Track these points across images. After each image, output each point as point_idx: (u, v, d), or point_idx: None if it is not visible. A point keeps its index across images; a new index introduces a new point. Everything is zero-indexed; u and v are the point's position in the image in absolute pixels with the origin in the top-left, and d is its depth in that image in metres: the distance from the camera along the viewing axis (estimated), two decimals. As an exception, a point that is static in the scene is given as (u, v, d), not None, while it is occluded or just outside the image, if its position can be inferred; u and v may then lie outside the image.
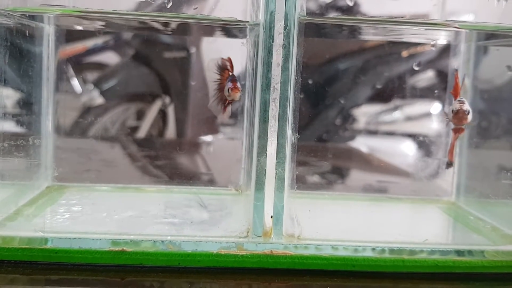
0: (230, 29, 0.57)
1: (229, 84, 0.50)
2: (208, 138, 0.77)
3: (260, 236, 0.47)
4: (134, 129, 0.77)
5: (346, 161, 0.76)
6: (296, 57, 0.47)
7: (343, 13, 0.65)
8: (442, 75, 0.73)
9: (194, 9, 0.51)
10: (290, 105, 0.47)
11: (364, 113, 0.77)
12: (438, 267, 0.47)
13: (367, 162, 0.76)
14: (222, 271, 0.46)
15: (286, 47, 0.46)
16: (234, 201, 0.63)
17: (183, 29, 0.64)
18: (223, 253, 0.46)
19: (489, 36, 0.61)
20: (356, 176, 0.75)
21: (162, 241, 0.46)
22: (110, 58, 0.77)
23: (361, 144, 0.77)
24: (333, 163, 0.73)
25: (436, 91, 0.73)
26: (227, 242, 0.47)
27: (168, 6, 0.50)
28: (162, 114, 0.77)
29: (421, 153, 0.72)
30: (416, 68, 0.71)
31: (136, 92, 0.78)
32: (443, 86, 0.72)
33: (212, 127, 0.75)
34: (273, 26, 0.46)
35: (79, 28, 0.65)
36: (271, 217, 0.48)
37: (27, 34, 0.56)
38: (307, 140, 0.73)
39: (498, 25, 0.53)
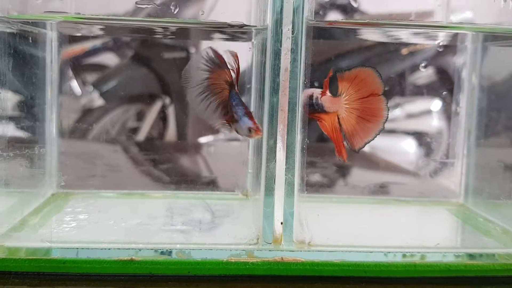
0: (235, 32, 0.56)
1: (248, 122, 0.43)
2: (210, 139, 0.76)
3: (270, 243, 0.47)
4: (134, 130, 0.76)
5: (350, 160, 0.75)
6: (305, 61, 0.46)
7: (347, 14, 0.65)
8: (444, 72, 0.73)
9: (201, 14, 0.51)
10: (299, 110, 0.46)
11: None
12: (450, 271, 0.47)
13: (371, 162, 0.75)
14: (232, 279, 0.45)
15: (294, 51, 0.45)
16: (242, 206, 0.63)
17: (185, 32, 0.63)
18: (233, 260, 0.46)
19: (495, 37, 0.60)
20: (362, 177, 0.75)
21: (171, 250, 0.46)
22: (110, 59, 0.77)
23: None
24: (337, 164, 0.72)
25: (441, 90, 0.72)
26: (237, 250, 0.46)
27: (175, 12, 0.49)
28: (163, 115, 0.77)
29: (423, 151, 0.72)
30: (423, 70, 0.71)
31: (136, 93, 0.77)
32: (449, 86, 0.71)
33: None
34: (281, 31, 0.45)
35: (83, 33, 0.65)
36: (281, 223, 0.47)
37: (30, 40, 0.56)
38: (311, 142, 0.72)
39: (501, 27, 0.52)
